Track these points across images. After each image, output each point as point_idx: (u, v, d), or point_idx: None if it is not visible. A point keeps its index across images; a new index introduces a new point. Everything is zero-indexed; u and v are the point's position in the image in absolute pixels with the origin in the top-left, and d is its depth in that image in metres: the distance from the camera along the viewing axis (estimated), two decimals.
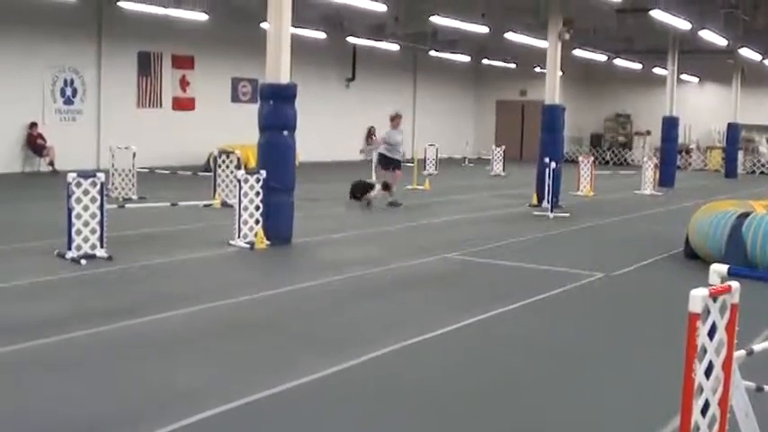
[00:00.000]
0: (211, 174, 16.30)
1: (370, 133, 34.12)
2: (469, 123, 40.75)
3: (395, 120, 17.71)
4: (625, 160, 37.78)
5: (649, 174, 22.75)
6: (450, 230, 13.78)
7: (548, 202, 16.48)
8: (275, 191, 11.41)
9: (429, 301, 8.44)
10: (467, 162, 32.67)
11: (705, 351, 3.45)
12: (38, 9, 21.73)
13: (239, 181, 11.30)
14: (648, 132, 37.98)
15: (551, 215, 15.88)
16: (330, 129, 31.79)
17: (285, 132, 11.53)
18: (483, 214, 16.22)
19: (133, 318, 7.19)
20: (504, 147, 28.73)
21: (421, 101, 37.39)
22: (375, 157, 18.36)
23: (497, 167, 27.96)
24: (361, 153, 24.69)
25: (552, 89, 18.36)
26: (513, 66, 37.80)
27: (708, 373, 3.48)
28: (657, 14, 19.90)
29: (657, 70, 34.17)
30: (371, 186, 17.20)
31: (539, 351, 6.64)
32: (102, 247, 9.95)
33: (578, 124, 38.55)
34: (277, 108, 11.47)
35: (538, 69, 33.24)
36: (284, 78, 11.53)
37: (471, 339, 6.92)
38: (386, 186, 17.04)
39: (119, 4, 21.92)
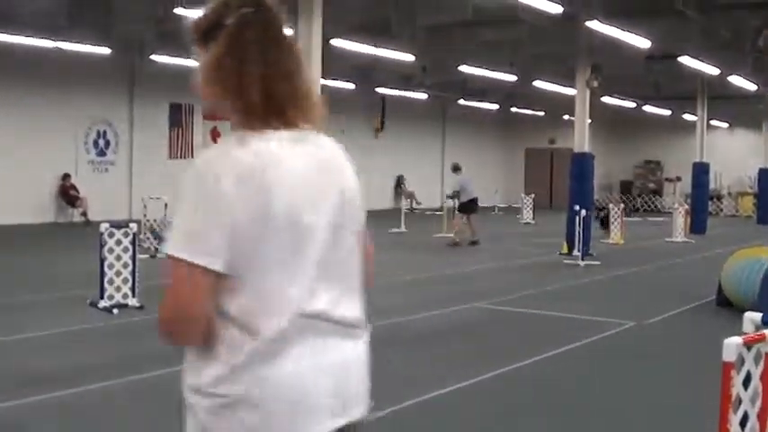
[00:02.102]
0: None
1: (400, 182, 34.30)
2: (499, 171, 40.76)
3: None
4: (655, 207, 37.57)
5: (680, 220, 22.60)
6: (480, 279, 13.73)
7: (578, 250, 16.41)
8: None
9: (454, 352, 8.37)
10: (496, 210, 32.62)
11: (740, 401, 3.41)
12: (72, 62, 22.21)
13: None
14: (679, 179, 37.78)
15: (582, 263, 15.79)
16: (359, 178, 31.91)
17: None
18: (513, 262, 16.17)
19: (166, 367, 7.20)
20: (533, 195, 28.75)
21: (450, 149, 37.54)
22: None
23: (527, 215, 27.94)
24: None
25: (581, 137, 18.39)
26: (541, 114, 37.94)
27: (743, 423, 3.44)
28: (686, 61, 19.96)
29: (687, 116, 34.14)
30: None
31: (565, 407, 6.53)
32: (133, 296, 10.05)
33: (608, 171, 38.48)
34: None
35: (566, 117, 33.32)
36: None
37: (497, 394, 6.83)
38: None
39: (151, 57, 22.36)
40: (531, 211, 28.02)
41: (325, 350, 1.94)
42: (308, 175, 1.99)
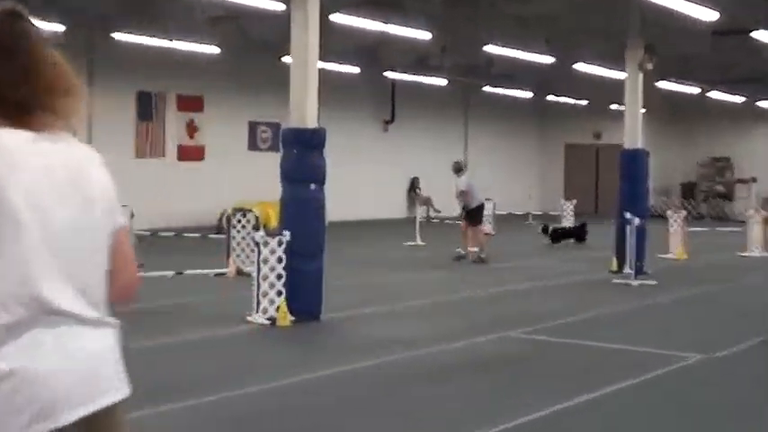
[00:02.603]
0: (224, 236, 16.53)
1: (414, 186, 34.33)
2: (533, 173, 40.78)
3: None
4: (725, 214, 37.46)
5: (757, 230, 22.50)
6: (513, 303, 13.78)
7: (630, 267, 16.37)
8: (301, 256, 11.47)
9: (487, 390, 8.39)
10: (531, 219, 32.59)
11: None
12: None
13: (258, 245, 11.39)
14: (754, 179, 37.63)
15: (635, 283, 15.76)
16: (365, 180, 32.03)
17: (313, 186, 11.66)
18: (552, 282, 16.19)
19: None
20: (574, 200, 28.70)
21: (474, 146, 37.58)
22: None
23: (568, 225, 27.90)
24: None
25: (633, 130, 18.35)
26: (584, 102, 37.95)
27: None
28: (762, 36, 19.84)
29: (762, 103, 34.06)
30: None
31: None
32: None
33: (665, 171, 38.42)
34: (303, 157, 11.62)
35: (614, 106, 33.30)
36: (311, 122, 11.71)
37: None
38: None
39: (113, 35, 22.39)
40: (572, 221, 27.96)
41: (60, 341, 2.32)
42: (48, 173, 2.34)
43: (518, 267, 18.64)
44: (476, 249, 19.05)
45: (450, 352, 9.97)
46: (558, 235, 23.79)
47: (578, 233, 23.93)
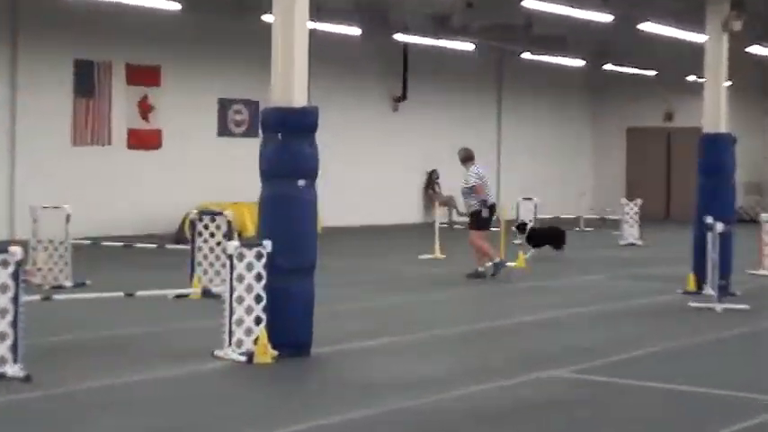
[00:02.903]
0: (187, 247, 16.50)
1: (432, 181, 34.27)
2: (585, 164, 40.74)
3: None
4: None
5: None
6: (555, 333, 13.78)
7: (712, 286, 16.28)
8: (286, 272, 11.44)
9: None
10: (582, 225, 32.64)
11: None
12: None
13: (230, 258, 11.33)
14: None
15: (719, 307, 15.70)
16: (369, 175, 32.09)
17: (302, 182, 11.62)
18: (608, 306, 16.19)
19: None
20: (639, 200, 28.56)
21: (509, 130, 37.57)
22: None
23: (630, 232, 27.96)
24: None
25: (715, 109, 18.24)
26: (651, 74, 37.82)
27: None
28: None
29: None
30: None
31: None
32: (15, 361, 9.98)
33: (757, 163, 38.30)
34: (289, 145, 11.59)
35: (691, 78, 33.23)
36: (299, 99, 11.68)
37: None
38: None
39: None
40: (636, 226, 27.97)
41: None
42: None
43: (565, 287, 18.74)
44: (497, 260, 19.26)
45: (482, 397, 9.95)
46: (538, 237, 23.76)
47: (554, 238, 23.82)
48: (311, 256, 11.73)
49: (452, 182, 33.29)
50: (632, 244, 27.51)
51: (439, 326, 13.99)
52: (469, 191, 19.38)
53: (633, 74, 38.04)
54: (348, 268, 20.45)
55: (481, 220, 19.23)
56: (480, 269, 19.19)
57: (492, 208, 19.33)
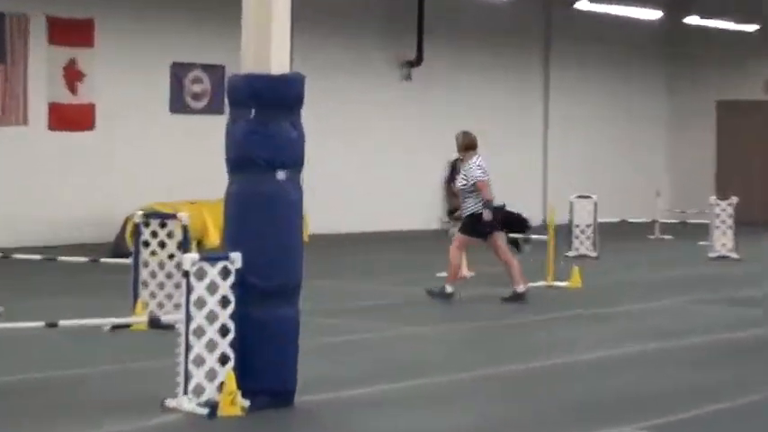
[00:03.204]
0: (129, 261, 16.53)
1: (456, 173, 34.06)
2: (660, 150, 40.75)
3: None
4: None
5: None
6: (617, 376, 13.86)
7: None
8: (262, 295, 11.48)
9: None
10: (657, 231, 32.72)
11: None
12: None
13: (187, 276, 11.28)
14: None
15: None
16: (372, 165, 32.09)
17: (282, 174, 11.62)
18: (689, 342, 16.22)
19: None
20: (734, 199, 28.38)
21: (558, 104, 37.65)
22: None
23: (722, 242, 27.81)
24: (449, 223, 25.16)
25: None
26: (749, 29, 37.68)
27: None
28: None
29: None
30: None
31: None
32: None
33: None
34: (265, 125, 11.60)
35: None
36: (279, 65, 11.66)
37: None
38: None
39: None
40: (729, 233, 27.76)
41: None
42: None
43: (631, 314, 18.94)
44: (520, 288, 19.39)
45: None
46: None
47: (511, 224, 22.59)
48: (295, 274, 11.76)
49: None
50: (724, 257, 27.24)
51: (462, 366, 14.07)
52: (471, 189, 19.50)
53: (725, 29, 37.92)
54: (343, 290, 20.58)
55: (480, 225, 19.23)
56: (449, 289, 19.46)
57: (498, 211, 19.49)
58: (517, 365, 14.28)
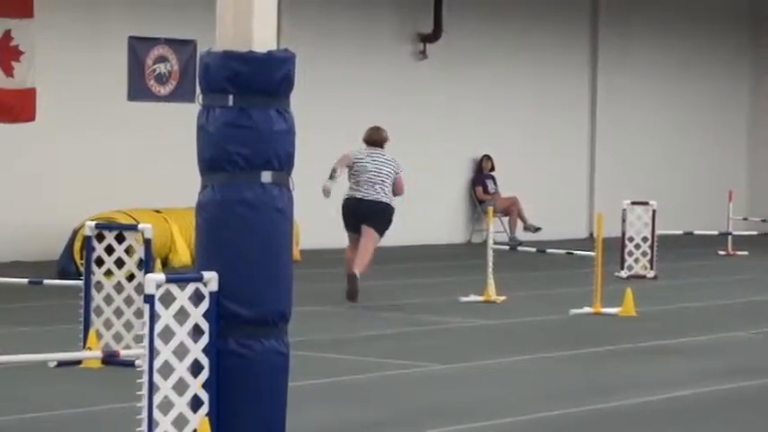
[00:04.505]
0: (80, 282, 16.51)
1: (483, 173, 34.29)
2: (738, 147, 40.73)
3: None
4: None
5: None
6: (691, 423, 13.83)
7: None
8: (242, 324, 11.49)
9: None
10: (730, 245, 32.72)
11: None
12: None
13: (150, 300, 11.28)
14: None
15: None
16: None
17: (267, 176, 11.69)
18: (757, 383, 16.13)
19: None
20: None
21: (609, 90, 37.57)
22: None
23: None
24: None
25: None
26: None
27: None
28: None
29: None
30: None
31: None
32: None
33: None
34: (247, 114, 11.66)
35: None
36: (263, 41, 11.75)
37: None
38: None
39: None
40: None
41: None
42: None
43: (697, 346, 19.01)
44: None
45: None
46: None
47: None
48: (283, 299, 11.72)
49: (517, 176, 33.52)
50: None
51: (495, 411, 13.95)
52: (380, 181, 23.01)
53: None
54: (342, 317, 20.74)
55: (382, 217, 23.22)
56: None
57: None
58: (559, 410, 14.09)
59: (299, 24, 26.01)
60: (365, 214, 23.40)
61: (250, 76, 11.65)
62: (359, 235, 23.19)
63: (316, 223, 26.75)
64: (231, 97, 11.67)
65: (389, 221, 23.66)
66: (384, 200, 23.51)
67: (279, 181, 11.72)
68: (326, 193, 23.00)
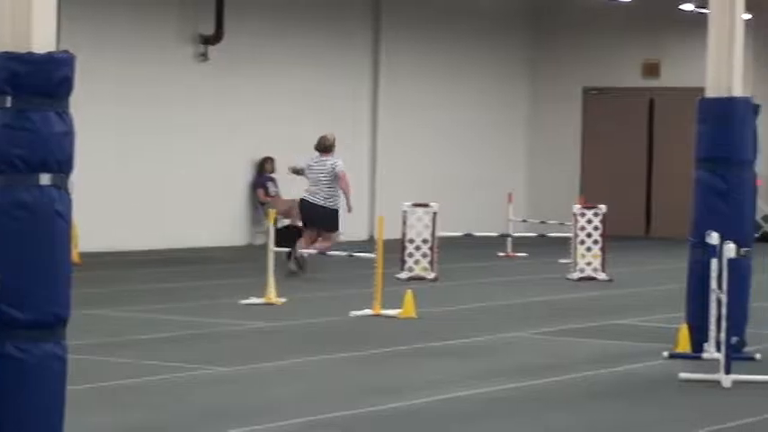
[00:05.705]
0: None
1: (264, 175, 34.28)
2: (520, 149, 41.06)
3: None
4: None
5: None
6: (465, 422, 13.98)
7: (717, 345, 16.52)
8: (17, 327, 11.22)
9: None
10: (509, 247, 33.11)
11: None
12: None
13: None
14: None
15: (727, 380, 15.92)
16: (158, 167, 32.19)
17: (45, 179, 11.48)
18: (548, 381, 16.45)
19: None
20: (601, 207, 28.77)
21: (390, 89, 37.75)
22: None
23: (588, 260, 28.45)
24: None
25: (725, 58, 18.51)
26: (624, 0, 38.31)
27: None
28: None
29: None
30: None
31: None
32: None
33: None
34: (25, 116, 11.43)
35: (687, 7, 33.90)
36: (42, 41, 11.54)
37: None
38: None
39: None
40: (598, 250, 28.29)
41: None
42: None
43: (476, 347, 19.12)
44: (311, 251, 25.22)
45: None
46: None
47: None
48: (60, 302, 11.48)
49: (298, 178, 33.48)
50: (590, 278, 27.74)
51: (281, 413, 14.01)
52: (329, 179, 25.26)
53: (593, 3, 38.66)
54: (123, 320, 20.65)
55: (330, 219, 26.72)
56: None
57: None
58: (338, 411, 14.12)
59: (75, 25, 25.85)
60: (311, 218, 27.65)
61: (29, 78, 11.47)
62: (310, 231, 27.64)
63: (96, 225, 26.61)
64: (9, 99, 11.46)
65: (331, 219, 27.42)
66: (320, 203, 27.21)
67: (58, 183, 11.55)
68: (292, 171, 27.85)
